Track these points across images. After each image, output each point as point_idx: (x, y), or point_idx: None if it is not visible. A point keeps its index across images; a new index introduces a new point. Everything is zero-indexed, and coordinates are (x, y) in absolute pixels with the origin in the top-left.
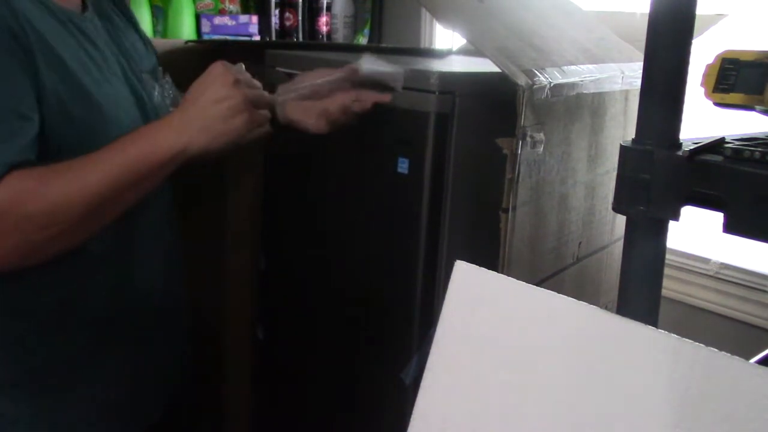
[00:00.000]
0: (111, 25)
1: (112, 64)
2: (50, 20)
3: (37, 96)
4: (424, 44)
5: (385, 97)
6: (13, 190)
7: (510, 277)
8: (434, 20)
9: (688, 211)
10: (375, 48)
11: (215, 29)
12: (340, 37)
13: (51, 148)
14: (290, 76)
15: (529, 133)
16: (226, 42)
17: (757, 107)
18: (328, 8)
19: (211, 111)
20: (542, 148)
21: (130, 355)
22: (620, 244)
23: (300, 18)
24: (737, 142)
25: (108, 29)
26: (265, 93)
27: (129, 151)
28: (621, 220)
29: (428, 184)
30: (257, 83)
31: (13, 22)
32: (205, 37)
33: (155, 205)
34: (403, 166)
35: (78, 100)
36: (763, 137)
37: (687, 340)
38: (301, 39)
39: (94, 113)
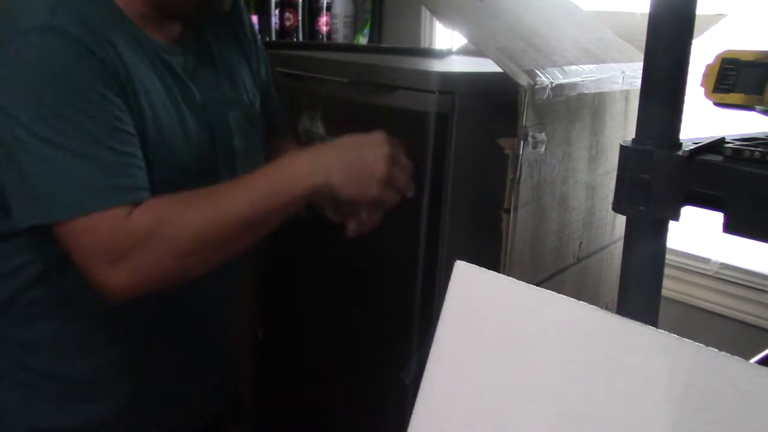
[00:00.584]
0: (212, 58)
1: (193, 101)
2: (138, 55)
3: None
4: (424, 44)
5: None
6: (156, 215)
7: (510, 277)
8: (434, 20)
9: (688, 211)
10: (375, 48)
11: None
12: (340, 37)
13: None
14: (289, 76)
15: (530, 133)
16: None
17: (757, 107)
18: (328, 8)
19: (355, 161)
20: (543, 149)
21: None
22: (620, 244)
23: (300, 18)
24: (737, 142)
25: (206, 61)
26: (404, 177)
27: (269, 180)
28: (621, 220)
29: (428, 184)
30: (405, 164)
31: (118, 65)
32: None
33: None
34: None
35: (150, 136)
36: (763, 137)
37: (687, 340)
38: (301, 39)
39: (157, 148)
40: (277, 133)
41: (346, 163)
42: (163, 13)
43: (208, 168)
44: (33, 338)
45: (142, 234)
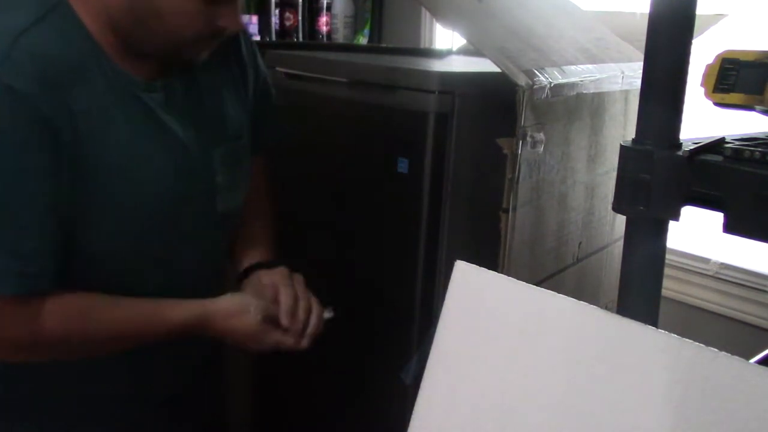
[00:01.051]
0: (198, 93)
1: (171, 139)
2: (109, 94)
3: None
4: (424, 44)
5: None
6: (66, 328)
7: (510, 277)
8: (434, 20)
9: (688, 211)
10: (375, 48)
11: None
12: (340, 37)
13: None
14: (289, 76)
15: (529, 133)
16: None
17: (757, 107)
18: (328, 8)
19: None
20: (542, 148)
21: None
22: (620, 244)
23: (300, 18)
24: (737, 142)
25: (192, 97)
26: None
27: (168, 327)
28: (621, 220)
29: (428, 183)
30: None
31: (66, 119)
32: None
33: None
34: (402, 165)
35: (103, 180)
36: (763, 137)
37: (687, 340)
38: (301, 39)
39: (114, 190)
40: (262, 151)
41: (233, 339)
42: (132, 53)
43: (179, 206)
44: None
45: (50, 335)
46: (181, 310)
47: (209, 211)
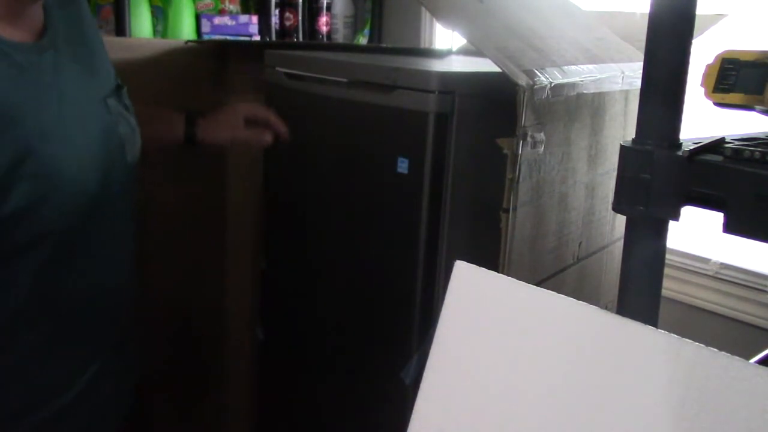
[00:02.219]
0: (74, 50)
1: (68, 99)
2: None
3: None
4: (424, 44)
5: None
6: None
7: (510, 277)
8: (434, 20)
9: (688, 211)
10: (375, 48)
11: (215, 29)
12: (340, 37)
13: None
14: (289, 76)
15: (529, 133)
16: (226, 42)
17: (757, 107)
18: (328, 8)
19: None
20: (542, 148)
21: (81, 353)
22: (620, 244)
23: (300, 18)
24: (737, 142)
25: (69, 55)
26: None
27: None
28: (621, 220)
29: (428, 184)
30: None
31: None
32: (205, 37)
33: (116, 205)
34: (402, 166)
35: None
36: (763, 137)
37: (687, 340)
38: (301, 39)
39: (40, 168)
40: None
41: None
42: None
43: (100, 163)
44: None
45: None
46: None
47: (121, 165)
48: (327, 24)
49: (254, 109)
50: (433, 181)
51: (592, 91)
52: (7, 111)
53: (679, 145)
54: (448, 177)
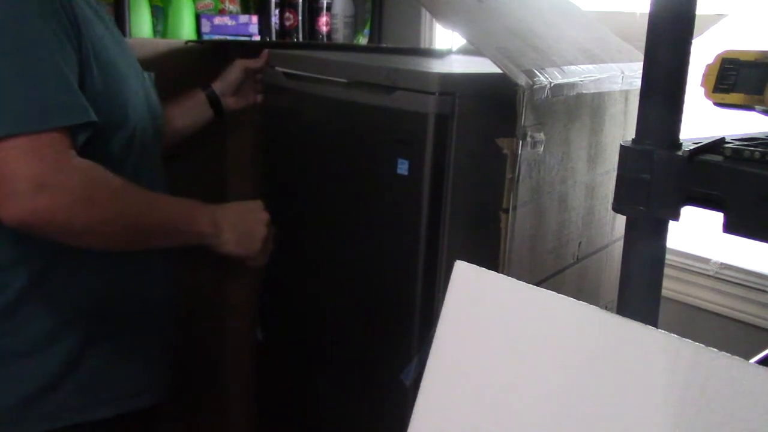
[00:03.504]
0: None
1: (123, 44)
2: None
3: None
4: (424, 44)
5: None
6: (91, 176)
7: (510, 277)
8: (434, 20)
9: (688, 211)
10: (375, 48)
11: (215, 29)
12: (340, 37)
13: None
14: (289, 76)
15: (529, 133)
16: (226, 42)
17: (757, 107)
18: (328, 8)
19: (242, 226)
20: (542, 148)
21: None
22: (620, 244)
23: (300, 18)
24: (737, 142)
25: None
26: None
27: (178, 216)
28: (621, 220)
29: (428, 185)
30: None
31: (68, 6)
32: (205, 37)
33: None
34: (402, 167)
35: (110, 71)
36: (763, 137)
37: (687, 340)
38: (301, 39)
39: (119, 83)
40: None
41: (237, 225)
42: None
43: (147, 122)
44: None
45: (78, 183)
46: (199, 210)
47: (157, 131)
48: (327, 24)
49: (245, 62)
50: (433, 183)
51: (591, 91)
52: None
53: (679, 145)
54: (448, 178)
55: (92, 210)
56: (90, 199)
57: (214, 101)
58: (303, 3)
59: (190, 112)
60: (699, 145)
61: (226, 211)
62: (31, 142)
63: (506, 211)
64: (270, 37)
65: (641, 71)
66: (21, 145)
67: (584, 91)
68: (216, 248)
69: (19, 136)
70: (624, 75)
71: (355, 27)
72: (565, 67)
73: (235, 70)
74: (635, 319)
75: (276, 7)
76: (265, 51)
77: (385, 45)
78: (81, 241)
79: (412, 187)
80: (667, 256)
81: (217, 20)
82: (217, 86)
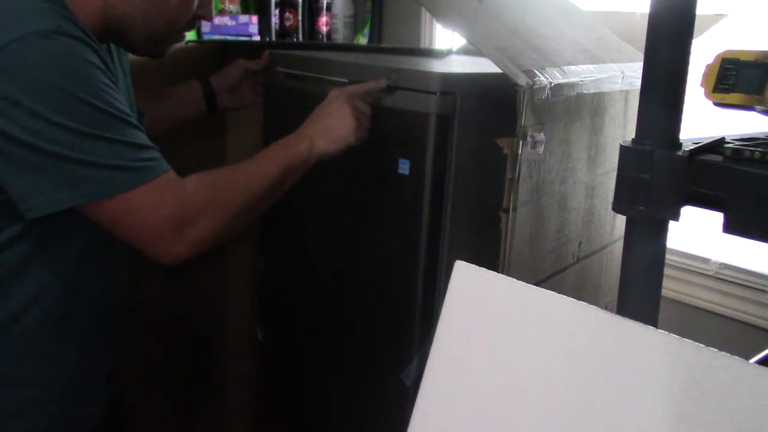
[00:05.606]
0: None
1: (131, 100)
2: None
3: None
4: (424, 44)
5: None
6: (212, 183)
7: (510, 277)
8: (434, 20)
9: (688, 211)
10: (375, 48)
11: (215, 29)
12: (340, 37)
13: None
14: (289, 76)
15: (529, 133)
16: (226, 42)
17: (757, 107)
18: (328, 8)
19: (328, 126)
20: (542, 148)
21: (80, 354)
22: (620, 244)
23: (300, 18)
24: (737, 142)
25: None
26: (366, 119)
27: (279, 158)
28: (621, 220)
29: (429, 185)
30: (364, 107)
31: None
32: (205, 37)
33: None
34: (403, 167)
35: None
36: (763, 137)
37: (687, 340)
38: (301, 39)
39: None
40: None
41: (324, 130)
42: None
43: None
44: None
45: (203, 202)
46: (292, 141)
47: None
48: (327, 24)
49: (247, 63)
50: (434, 183)
51: (591, 91)
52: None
53: (679, 145)
54: (449, 178)
55: (226, 214)
56: (218, 210)
57: (209, 96)
58: (303, 3)
59: (184, 103)
60: (699, 145)
61: (314, 122)
62: (150, 191)
63: (506, 211)
64: (270, 37)
65: (641, 71)
66: (144, 196)
67: (584, 91)
68: (322, 159)
69: (138, 188)
70: (624, 75)
71: (355, 27)
72: (566, 67)
73: (236, 69)
74: (635, 319)
75: (276, 7)
76: (266, 53)
77: (385, 45)
78: (238, 230)
79: (413, 187)
80: (667, 256)
81: (217, 20)
82: (215, 82)
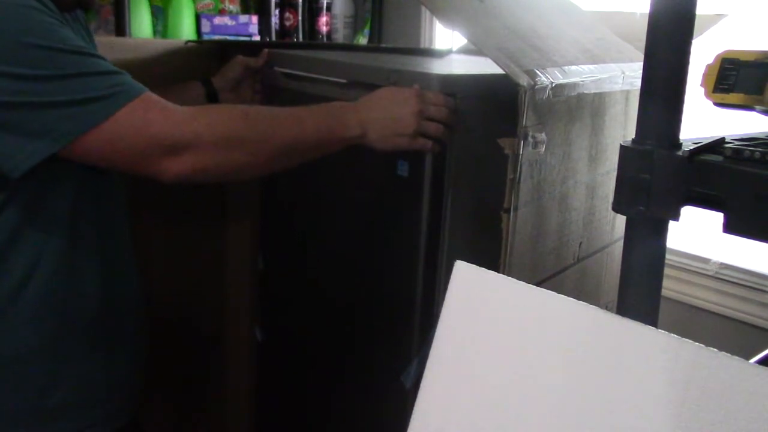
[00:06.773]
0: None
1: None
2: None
3: None
4: (424, 44)
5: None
6: (223, 114)
7: (510, 277)
8: (434, 20)
9: (688, 211)
10: (375, 48)
11: (215, 29)
12: (340, 37)
13: None
14: (289, 77)
15: (530, 134)
16: (226, 42)
17: (757, 107)
18: (328, 8)
19: (388, 120)
20: (543, 149)
21: (107, 357)
22: (620, 244)
23: (300, 18)
24: (737, 142)
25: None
26: (434, 127)
27: (323, 122)
28: (621, 220)
29: (428, 187)
30: (438, 115)
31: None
32: (205, 37)
33: (123, 215)
34: (402, 168)
35: None
36: (763, 137)
37: (687, 340)
38: (301, 39)
39: None
40: None
41: (381, 122)
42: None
43: None
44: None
45: (205, 127)
46: (347, 110)
47: None
48: (327, 24)
49: (246, 60)
50: (434, 184)
51: (592, 91)
52: None
53: (679, 145)
54: (449, 179)
55: (234, 151)
56: (228, 144)
57: (211, 96)
58: (303, 3)
59: (185, 102)
60: (699, 145)
61: (373, 106)
62: (129, 113)
63: (507, 211)
64: (270, 37)
65: (641, 71)
66: (124, 120)
67: (585, 92)
68: (363, 145)
69: (117, 113)
70: (624, 75)
71: (355, 27)
72: (566, 68)
73: (236, 67)
74: (635, 319)
75: (276, 7)
76: (266, 50)
77: (385, 45)
78: (241, 174)
79: (413, 189)
80: (667, 256)
81: (217, 20)
82: (217, 81)
